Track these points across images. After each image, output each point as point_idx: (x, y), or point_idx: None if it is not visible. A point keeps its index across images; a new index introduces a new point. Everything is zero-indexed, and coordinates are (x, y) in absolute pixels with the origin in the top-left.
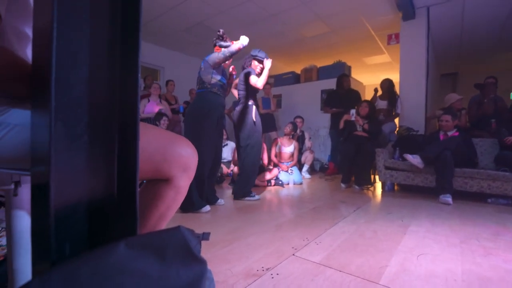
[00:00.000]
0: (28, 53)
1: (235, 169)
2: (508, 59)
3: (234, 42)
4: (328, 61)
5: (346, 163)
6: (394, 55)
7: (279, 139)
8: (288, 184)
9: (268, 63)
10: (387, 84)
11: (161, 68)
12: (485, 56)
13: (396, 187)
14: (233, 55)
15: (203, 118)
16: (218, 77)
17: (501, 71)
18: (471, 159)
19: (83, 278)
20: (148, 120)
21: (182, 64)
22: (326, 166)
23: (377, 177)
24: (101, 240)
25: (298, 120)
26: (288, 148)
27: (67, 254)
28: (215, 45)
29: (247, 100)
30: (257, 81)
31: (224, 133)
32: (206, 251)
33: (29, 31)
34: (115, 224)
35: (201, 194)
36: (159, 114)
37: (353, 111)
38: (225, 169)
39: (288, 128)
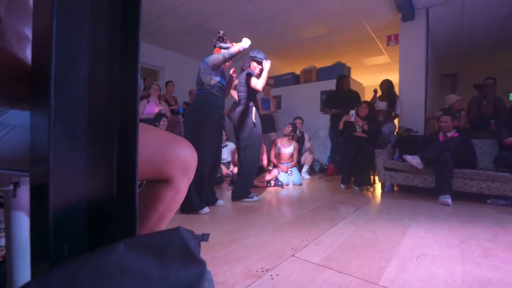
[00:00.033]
0: (27, 54)
1: (235, 170)
2: (508, 59)
3: (234, 43)
4: (327, 62)
5: (346, 164)
6: (393, 56)
7: (278, 140)
8: (287, 185)
9: (267, 64)
10: (386, 85)
11: (160, 69)
12: (485, 56)
13: (395, 188)
14: (232, 57)
15: (202, 118)
16: (217, 79)
17: (500, 71)
18: (470, 160)
19: (83, 278)
20: (147, 121)
21: (181, 65)
22: (325, 167)
23: (376, 178)
24: (101, 240)
25: (298, 121)
26: (288, 149)
27: (67, 255)
28: (215, 47)
29: (247, 101)
30: (257, 83)
31: (224, 134)
32: (205, 252)
33: (28, 33)
34: (115, 225)
35: (200, 195)
36: (159, 115)
37: (352, 112)
38: (224, 170)
39: (287, 129)
